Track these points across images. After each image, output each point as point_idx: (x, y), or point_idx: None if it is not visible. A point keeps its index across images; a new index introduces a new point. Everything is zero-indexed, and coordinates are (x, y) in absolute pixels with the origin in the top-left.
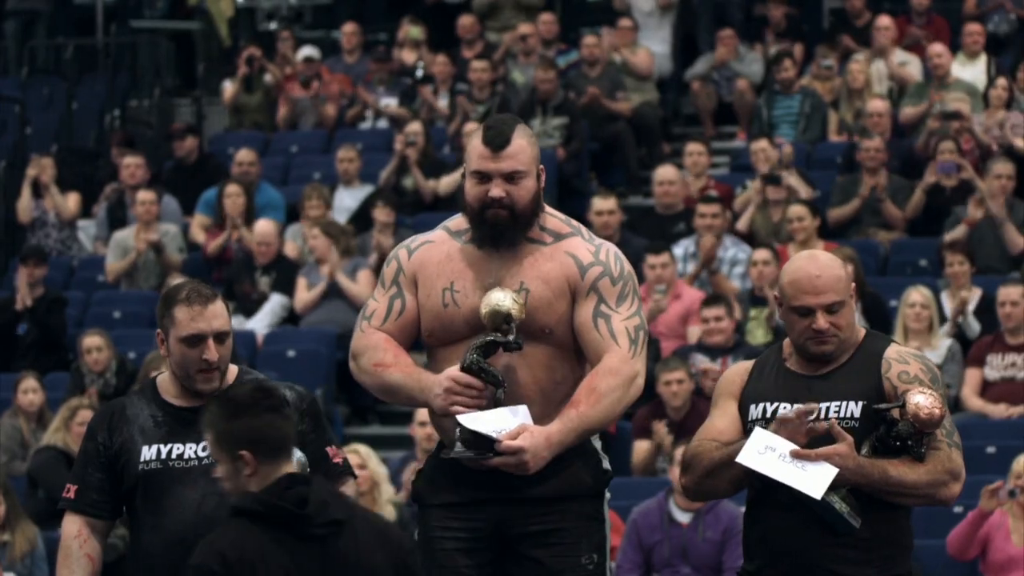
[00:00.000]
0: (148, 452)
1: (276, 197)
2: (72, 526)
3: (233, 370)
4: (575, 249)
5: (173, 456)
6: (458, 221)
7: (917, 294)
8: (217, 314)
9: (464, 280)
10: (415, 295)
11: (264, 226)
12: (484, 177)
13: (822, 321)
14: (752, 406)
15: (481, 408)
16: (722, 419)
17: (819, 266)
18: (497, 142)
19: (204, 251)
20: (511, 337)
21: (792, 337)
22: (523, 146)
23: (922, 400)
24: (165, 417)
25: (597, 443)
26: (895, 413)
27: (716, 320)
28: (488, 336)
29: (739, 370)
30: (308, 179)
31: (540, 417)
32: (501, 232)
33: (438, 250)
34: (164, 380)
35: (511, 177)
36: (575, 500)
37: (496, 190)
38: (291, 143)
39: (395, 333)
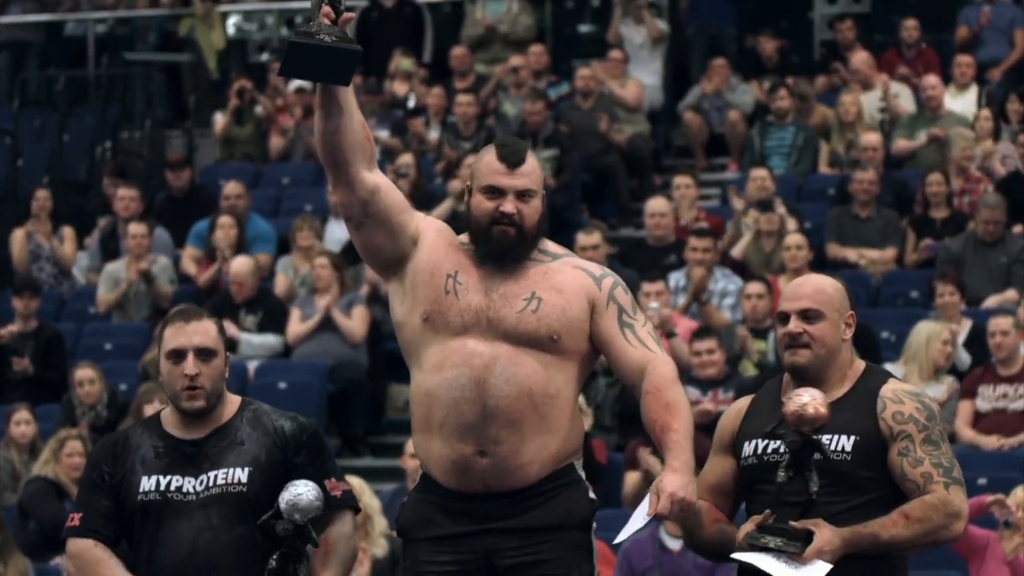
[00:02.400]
0: (148, 483)
1: (267, 229)
2: (81, 544)
3: (236, 401)
4: (582, 264)
5: (172, 488)
6: (460, 237)
7: (947, 332)
8: (199, 331)
9: (468, 276)
10: (410, 238)
11: (240, 264)
12: (497, 192)
13: (795, 325)
14: (746, 443)
15: None
16: (715, 470)
17: (807, 279)
18: (513, 159)
19: (195, 283)
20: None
21: (779, 352)
22: (535, 167)
23: (793, 405)
24: (166, 449)
25: (582, 472)
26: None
27: (708, 353)
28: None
29: (734, 412)
30: (299, 211)
31: (531, 436)
32: (507, 249)
33: (449, 235)
34: (167, 413)
35: (523, 195)
36: (564, 530)
37: (508, 206)
38: (282, 175)
39: (382, 186)
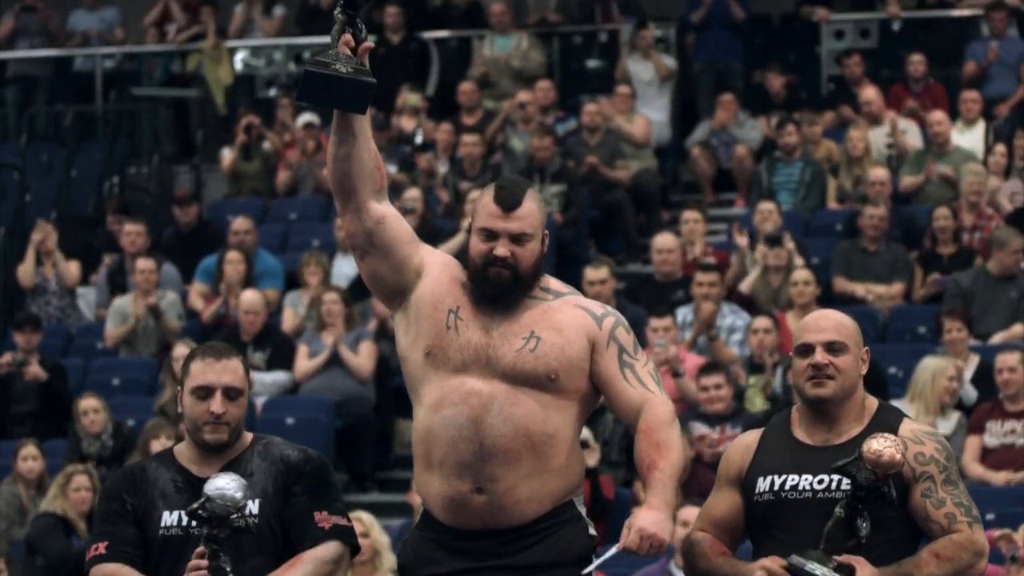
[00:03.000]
0: (169, 518)
1: (274, 265)
2: (110, 568)
3: (249, 436)
4: (584, 303)
5: (186, 523)
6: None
7: (953, 368)
8: (229, 369)
9: (468, 312)
10: (414, 270)
11: (251, 296)
12: (491, 235)
13: (821, 356)
14: (760, 479)
15: None
16: (720, 505)
17: (827, 313)
18: (508, 203)
19: (200, 318)
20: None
21: (796, 385)
22: (533, 209)
23: (876, 444)
24: (184, 484)
25: (582, 508)
26: (854, 466)
27: (715, 388)
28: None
29: (741, 447)
30: (307, 246)
31: (528, 475)
32: (501, 292)
33: (455, 269)
34: (181, 448)
35: (518, 238)
36: (563, 567)
37: (502, 249)
38: (290, 210)
39: (389, 216)
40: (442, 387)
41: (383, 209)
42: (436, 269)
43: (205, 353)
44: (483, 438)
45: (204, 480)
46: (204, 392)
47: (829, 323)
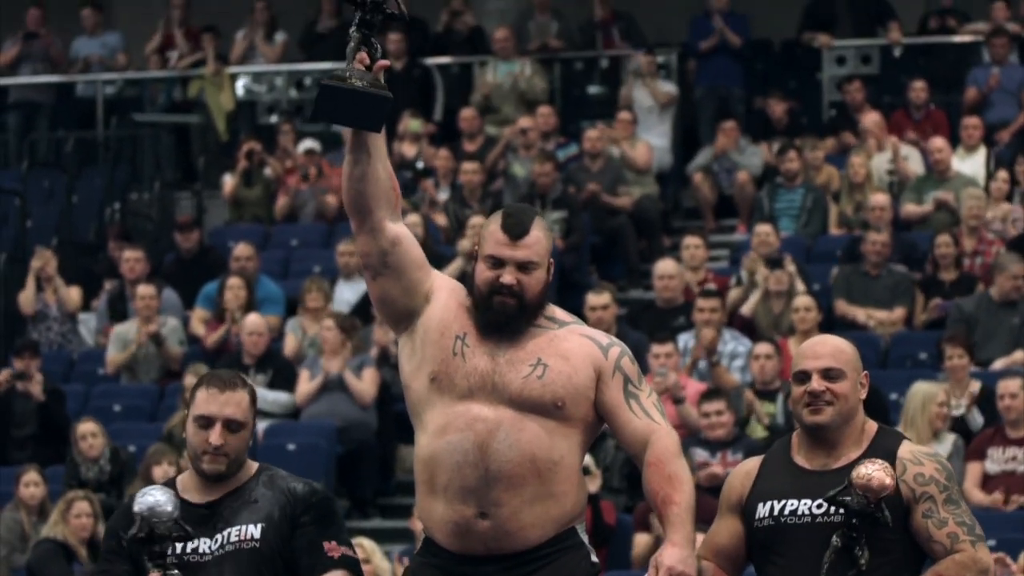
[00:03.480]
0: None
1: (275, 291)
2: None
3: (253, 466)
4: (589, 332)
5: (188, 551)
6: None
7: (943, 393)
8: (232, 401)
9: (474, 338)
10: (424, 295)
11: (254, 319)
12: (498, 263)
13: (817, 383)
14: (760, 504)
15: None
16: (722, 532)
17: (825, 339)
18: (516, 231)
19: (204, 344)
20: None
21: (794, 412)
22: (539, 237)
23: (865, 470)
24: (183, 515)
25: (584, 535)
26: (846, 494)
27: (716, 414)
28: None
29: (742, 473)
30: (308, 272)
31: (532, 500)
32: (506, 320)
33: (462, 295)
34: (184, 477)
35: (524, 267)
36: None
37: (508, 277)
38: (291, 236)
39: (403, 238)
40: (447, 413)
41: (398, 230)
42: (444, 295)
43: (211, 382)
44: (489, 463)
45: (201, 507)
46: (205, 422)
47: (826, 349)
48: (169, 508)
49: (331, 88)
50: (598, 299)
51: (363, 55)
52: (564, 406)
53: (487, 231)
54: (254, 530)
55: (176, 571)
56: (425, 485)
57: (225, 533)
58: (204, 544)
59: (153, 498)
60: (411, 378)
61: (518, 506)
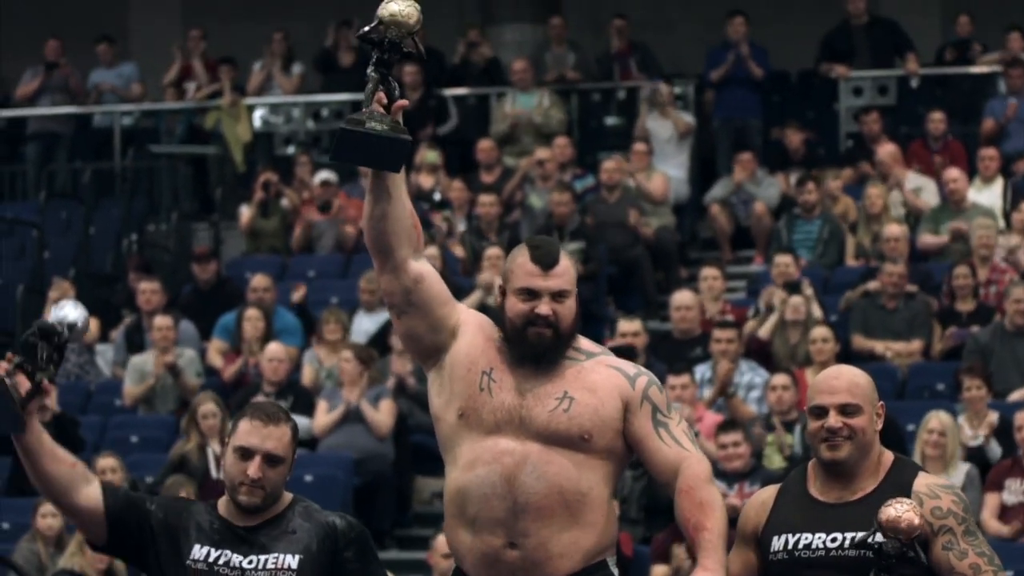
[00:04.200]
0: (199, 551)
1: (293, 322)
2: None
3: (287, 497)
4: (616, 363)
5: (220, 562)
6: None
7: (936, 420)
8: (274, 436)
9: (502, 373)
10: (450, 331)
11: (274, 347)
12: (532, 294)
13: (834, 419)
14: (775, 537)
15: None
16: (736, 562)
17: (840, 371)
18: (547, 261)
19: (221, 376)
20: None
21: (811, 446)
22: (568, 266)
23: (893, 512)
24: (220, 526)
25: (615, 569)
26: (877, 537)
27: (733, 445)
28: None
29: (757, 504)
30: (325, 303)
31: (561, 531)
32: (543, 352)
33: (490, 329)
34: (223, 501)
35: (558, 296)
36: None
37: (544, 308)
38: (308, 267)
39: (426, 275)
40: (475, 447)
41: (421, 268)
42: (471, 329)
43: (255, 414)
44: (516, 495)
45: (239, 527)
46: (245, 453)
47: (842, 384)
48: (79, 325)
49: (350, 132)
50: (629, 326)
51: (381, 95)
52: (591, 439)
53: (514, 265)
54: (291, 560)
55: (52, 368)
56: (455, 518)
57: (261, 558)
58: (236, 559)
59: (65, 312)
60: (440, 413)
61: (547, 536)
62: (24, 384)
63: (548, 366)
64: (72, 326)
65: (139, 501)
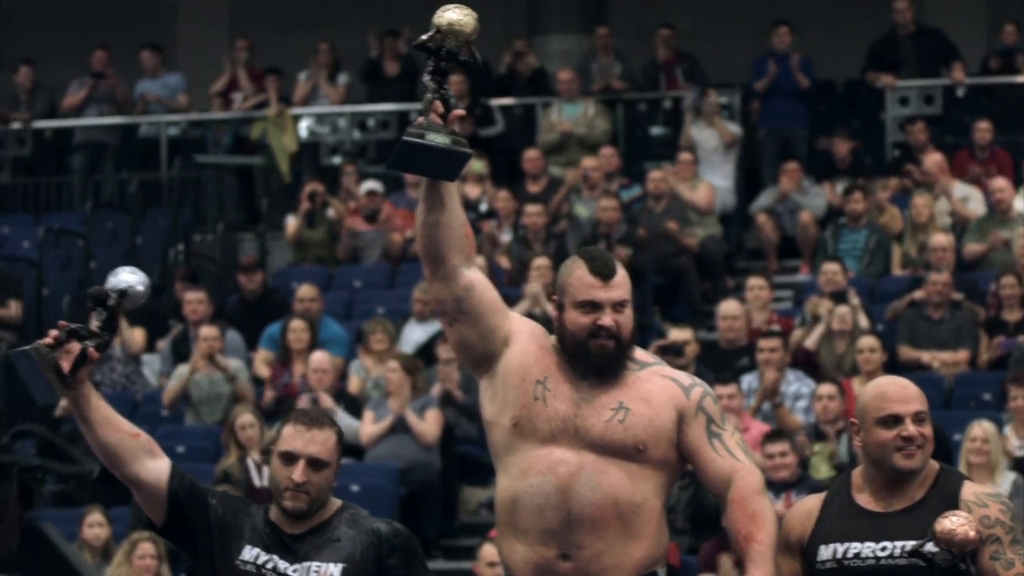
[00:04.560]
0: (249, 552)
1: (339, 332)
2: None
3: (336, 503)
4: (671, 373)
5: (268, 566)
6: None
7: (979, 429)
8: (317, 440)
9: (557, 382)
10: (502, 339)
11: (320, 355)
12: (594, 306)
13: (912, 427)
14: (822, 547)
15: None
16: (782, 572)
17: (905, 381)
18: (606, 272)
19: (267, 386)
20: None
21: (876, 455)
22: (624, 276)
23: (949, 524)
24: (270, 530)
25: None
26: (929, 547)
27: (780, 455)
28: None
29: (802, 513)
30: (371, 313)
31: (614, 542)
32: (607, 363)
33: (543, 338)
34: (274, 509)
35: (619, 306)
36: None
37: (607, 319)
38: (354, 277)
39: (478, 284)
40: (529, 456)
41: (472, 276)
42: (524, 338)
43: (298, 419)
44: (571, 506)
45: (286, 534)
46: (288, 458)
47: (913, 393)
48: (141, 289)
49: (411, 144)
50: (681, 334)
51: (437, 104)
52: (646, 449)
53: (571, 278)
54: (334, 569)
55: (106, 336)
56: (507, 527)
57: (305, 565)
58: (282, 564)
59: (127, 278)
60: (493, 422)
61: (600, 548)
62: (74, 351)
63: (612, 376)
64: (124, 292)
65: (203, 493)
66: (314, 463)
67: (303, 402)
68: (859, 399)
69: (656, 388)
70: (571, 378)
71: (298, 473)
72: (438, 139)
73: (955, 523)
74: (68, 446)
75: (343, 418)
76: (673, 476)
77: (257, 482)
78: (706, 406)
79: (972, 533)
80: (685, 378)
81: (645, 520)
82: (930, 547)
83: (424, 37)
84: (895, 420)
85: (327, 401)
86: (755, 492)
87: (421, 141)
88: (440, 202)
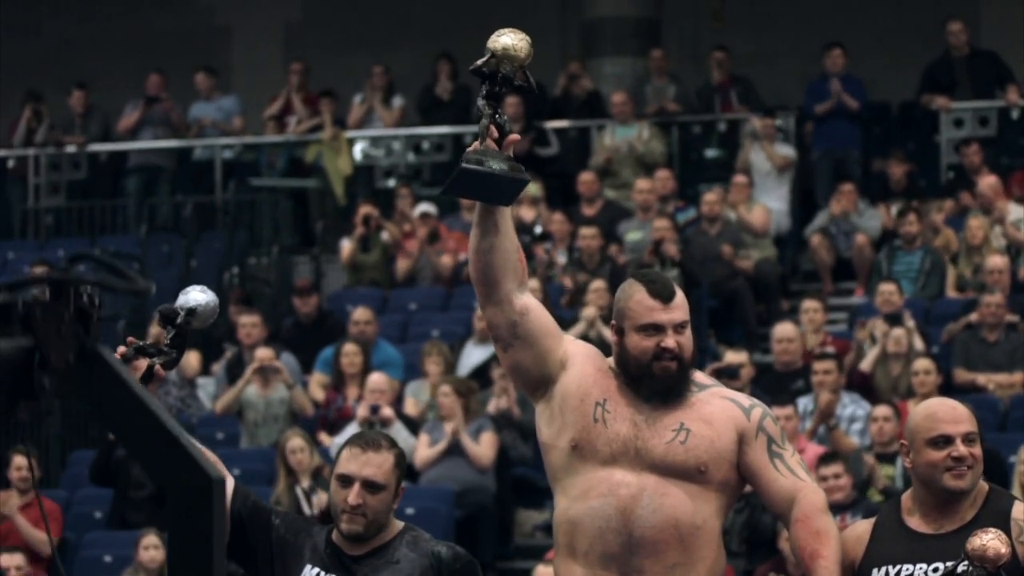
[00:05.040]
0: (310, 571)
1: (394, 355)
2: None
3: (397, 525)
4: (730, 394)
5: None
6: (608, 361)
7: None
8: (373, 463)
9: (617, 404)
10: (558, 362)
11: (377, 377)
12: (657, 329)
13: (963, 448)
14: (875, 570)
15: None
16: None
17: (954, 402)
18: (666, 293)
19: (323, 409)
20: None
21: (926, 476)
22: (683, 296)
23: (980, 541)
24: (331, 551)
25: None
26: (963, 566)
27: (835, 477)
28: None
29: (853, 538)
30: (427, 336)
31: (674, 566)
32: (671, 385)
33: (599, 359)
34: (336, 530)
35: (680, 327)
36: None
37: (670, 341)
38: (409, 300)
39: (532, 308)
40: (589, 479)
41: (526, 300)
42: (580, 360)
43: (354, 442)
44: (632, 529)
45: (346, 556)
46: (345, 481)
47: (963, 414)
48: (210, 307)
49: (469, 171)
50: (736, 357)
51: (493, 130)
52: (707, 471)
53: (631, 302)
54: None
55: (173, 353)
56: (565, 549)
57: None
58: None
59: (196, 297)
60: (551, 444)
61: (660, 572)
62: (140, 368)
63: (676, 398)
64: (192, 311)
65: (266, 512)
66: (369, 485)
67: (363, 409)
68: (909, 420)
69: (717, 409)
70: (631, 400)
71: (353, 496)
72: (496, 166)
73: (985, 539)
74: (123, 265)
75: (401, 434)
76: (732, 498)
77: (306, 510)
78: (767, 426)
79: (1004, 548)
80: (745, 399)
81: (705, 542)
82: (962, 567)
83: (479, 62)
84: (945, 440)
85: (387, 412)
86: (819, 510)
87: (480, 168)
88: (494, 226)
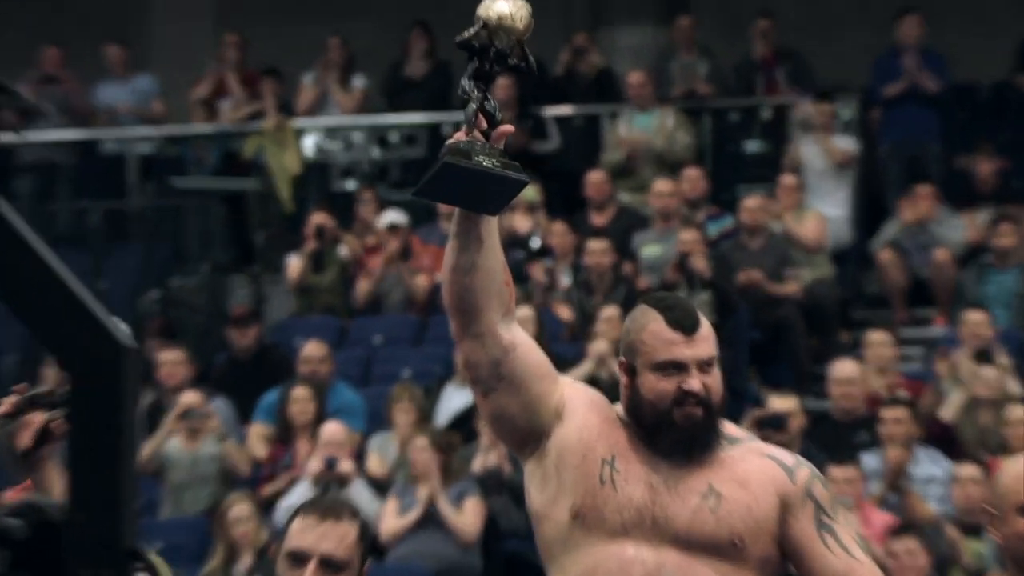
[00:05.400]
0: None
1: (354, 400)
2: None
3: None
4: (770, 450)
5: None
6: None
7: None
8: (333, 535)
9: (628, 463)
10: (553, 410)
11: (333, 427)
12: (678, 368)
13: None
14: None
15: None
16: None
17: None
18: (688, 324)
19: (265, 468)
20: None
21: (1019, 552)
22: (710, 327)
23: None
24: None
25: None
26: None
27: (907, 554)
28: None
29: None
30: (395, 377)
31: None
32: (696, 437)
33: (604, 408)
34: None
35: (706, 365)
36: None
37: (695, 382)
38: (373, 331)
39: (520, 343)
40: (594, 554)
41: (513, 334)
42: (582, 408)
43: (309, 510)
44: None
45: None
46: (297, 558)
47: None
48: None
49: (452, 167)
50: (783, 403)
51: (481, 120)
52: (743, 544)
53: (644, 334)
54: None
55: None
56: None
57: None
58: None
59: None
60: (544, 513)
61: None
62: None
63: (702, 452)
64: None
65: None
66: (328, 564)
67: (316, 462)
68: (997, 482)
69: (753, 469)
70: (646, 457)
71: None
72: (486, 162)
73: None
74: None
75: (363, 495)
76: None
77: None
78: (815, 492)
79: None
80: (788, 456)
81: None
82: None
83: (467, 33)
84: None
85: (346, 465)
86: None
87: (467, 164)
88: (477, 239)
